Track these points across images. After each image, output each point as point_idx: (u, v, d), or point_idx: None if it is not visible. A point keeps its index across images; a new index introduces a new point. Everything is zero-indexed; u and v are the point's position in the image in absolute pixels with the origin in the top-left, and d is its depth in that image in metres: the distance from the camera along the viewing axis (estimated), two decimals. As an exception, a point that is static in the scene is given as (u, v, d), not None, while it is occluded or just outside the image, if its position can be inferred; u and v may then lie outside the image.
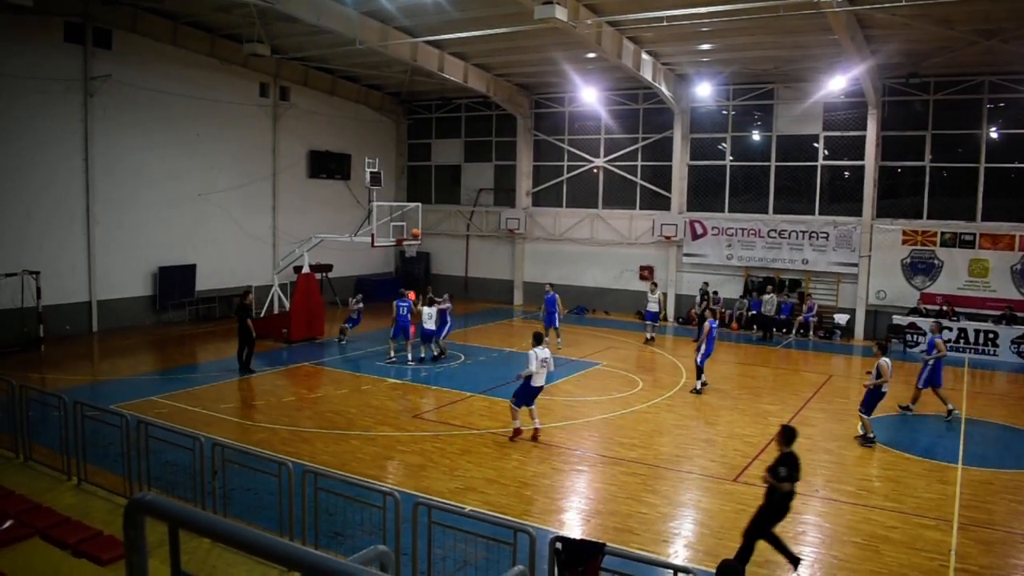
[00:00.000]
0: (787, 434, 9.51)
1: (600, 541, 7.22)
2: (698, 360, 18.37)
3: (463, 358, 21.85)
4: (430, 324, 20.78)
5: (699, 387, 18.41)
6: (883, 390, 14.66)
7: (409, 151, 36.83)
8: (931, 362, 17.03)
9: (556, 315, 23.28)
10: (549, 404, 16.99)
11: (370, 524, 9.08)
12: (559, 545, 6.90)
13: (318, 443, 13.83)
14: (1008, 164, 24.87)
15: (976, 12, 19.38)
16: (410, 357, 21.12)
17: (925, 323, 24.51)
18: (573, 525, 10.62)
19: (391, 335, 21.59)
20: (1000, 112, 25.08)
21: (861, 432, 14.73)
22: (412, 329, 21.50)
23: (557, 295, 23.72)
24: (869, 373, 15.04)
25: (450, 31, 23.25)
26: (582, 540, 7.24)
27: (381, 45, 24.10)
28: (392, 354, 21.38)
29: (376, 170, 24.21)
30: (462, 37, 23.51)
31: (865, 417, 14.59)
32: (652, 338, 25.07)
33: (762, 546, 9.91)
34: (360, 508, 8.99)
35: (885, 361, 14.59)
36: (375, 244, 23.81)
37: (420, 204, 27.88)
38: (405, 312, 21.29)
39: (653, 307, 25.04)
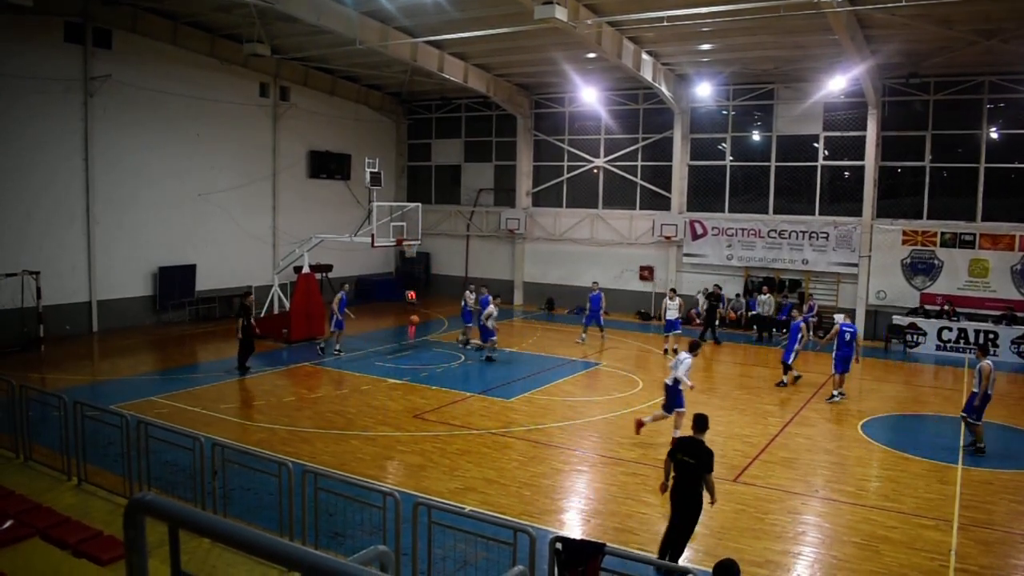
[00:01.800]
0: (694, 419, 9.59)
1: (600, 541, 7.23)
2: (787, 358, 19.29)
3: (463, 358, 21.85)
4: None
5: (786, 381, 19.34)
6: (989, 392, 14.27)
7: (409, 151, 36.84)
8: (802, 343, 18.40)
9: (599, 313, 24.49)
10: (549, 404, 17.04)
11: (370, 524, 9.09)
12: (559, 545, 6.90)
13: (318, 443, 13.83)
14: (1008, 164, 24.87)
15: (976, 12, 19.37)
16: (337, 347, 21.80)
17: (926, 324, 24.59)
18: (573, 525, 10.62)
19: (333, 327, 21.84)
20: (1000, 112, 25.07)
21: (971, 440, 14.38)
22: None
23: (602, 293, 24.96)
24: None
25: (450, 31, 23.24)
26: (582, 540, 7.25)
27: (381, 45, 24.10)
28: (337, 345, 21.86)
29: (376, 170, 24.22)
30: (462, 37, 23.51)
31: (974, 422, 14.23)
32: (675, 350, 21.91)
33: (760, 546, 9.94)
34: (360, 508, 8.99)
35: (988, 363, 14.31)
36: (375, 244, 23.83)
37: (420, 204, 27.90)
38: (340, 306, 21.58)
39: (672, 314, 23.08)
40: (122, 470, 10.29)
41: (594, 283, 25.77)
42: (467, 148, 35.38)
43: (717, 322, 26.29)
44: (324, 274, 29.47)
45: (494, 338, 21.51)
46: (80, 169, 23.39)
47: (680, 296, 23.83)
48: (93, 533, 7.97)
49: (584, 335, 24.71)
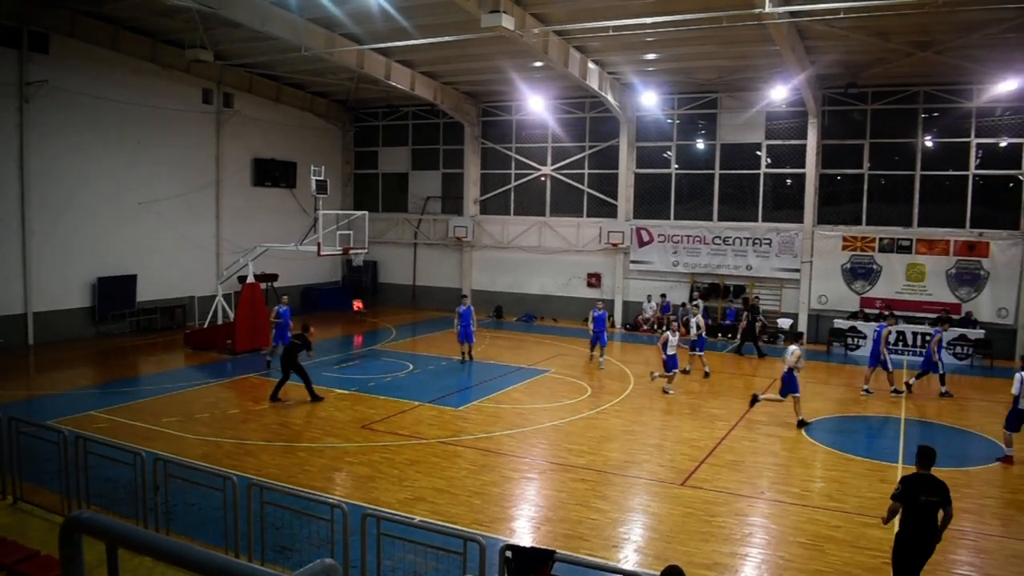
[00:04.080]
0: (921, 454, 8.69)
1: (550, 548, 7.23)
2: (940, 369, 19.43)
3: (411, 367, 21.72)
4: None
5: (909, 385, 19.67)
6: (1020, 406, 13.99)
7: (356, 159, 36.57)
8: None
9: (604, 333, 22.44)
10: (498, 412, 17.02)
11: (318, 537, 8.96)
12: (509, 553, 6.89)
13: (264, 456, 13.61)
14: (942, 172, 25.72)
15: (912, 24, 19.97)
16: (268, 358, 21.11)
17: (866, 327, 25.18)
18: (523, 533, 10.61)
19: (273, 341, 21.23)
20: (934, 121, 25.87)
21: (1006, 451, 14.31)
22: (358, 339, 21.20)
23: (607, 312, 24.04)
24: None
25: (397, 39, 23.13)
26: (532, 547, 7.25)
27: (327, 52, 23.89)
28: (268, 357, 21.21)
29: (322, 178, 23.92)
30: (409, 45, 23.42)
31: (1008, 433, 14.15)
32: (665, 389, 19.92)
33: (708, 548, 10.03)
34: (307, 521, 8.87)
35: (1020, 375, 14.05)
36: (321, 253, 23.54)
37: (367, 212, 27.61)
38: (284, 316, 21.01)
39: (674, 350, 19.90)
40: (60, 488, 10.00)
41: (600, 303, 23.70)
42: (414, 156, 35.27)
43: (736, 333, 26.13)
44: (269, 283, 29.10)
45: (798, 394, 16.30)
46: (15, 177, 22.69)
47: (633, 303, 23.59)
48: (29, 553, 7.73)
49: (602, 359, 22.58)
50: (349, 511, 7.98)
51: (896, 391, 19.28)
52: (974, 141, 25.16)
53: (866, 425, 16.85)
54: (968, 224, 25.27)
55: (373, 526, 7.89)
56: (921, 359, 20.77)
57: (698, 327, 21.55)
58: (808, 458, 14.39)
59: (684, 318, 25.23)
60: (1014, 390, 14.02)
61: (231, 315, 24.18)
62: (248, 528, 8.71)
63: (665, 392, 19.03)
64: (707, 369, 21.53)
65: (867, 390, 19.39)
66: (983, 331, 24.01)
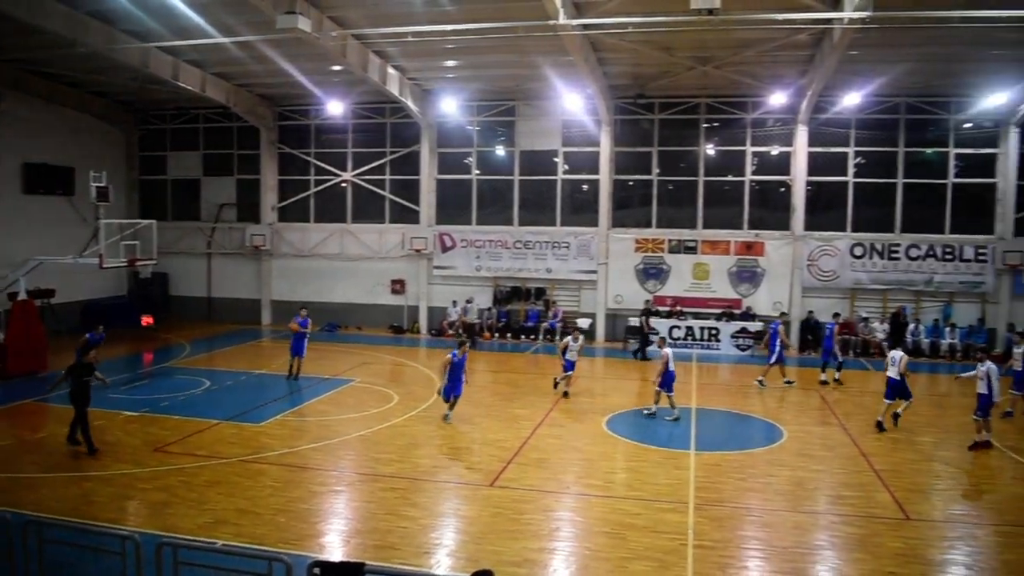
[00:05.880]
0: None
1: (360, 561, 7.16)
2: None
3: (208, 383, 20.67)
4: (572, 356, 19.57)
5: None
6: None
7: (142, 164, 34.23)
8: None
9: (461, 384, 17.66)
10: (302, 425, 16.61)
11: (110, 573, 8.33)
12: (317, 570, 6.76)
13: (43, 489, 12.44)
14: (722, 178, 28.00)
15: (692, 40, 21.56)
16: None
17: (658, 323, 26.73)
18: (333, 547, 10.39)
19: None
20: (715, 131, 28.06)
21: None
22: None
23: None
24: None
25: (186, 37, 21.91)
26: (341, 562, 7.16)
27: (107, 49, 22.22)
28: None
29: (103, 184, 22.27)
30: (199, 44, 22.25)
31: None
32: (566, 392, 19.61)
33: (518, 546, 10.26)
34: (96, 556, 8.27)
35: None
36: (104, 265, 21.94)
37: (155, 221, 25.81)
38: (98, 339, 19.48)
39: (574, 356, 19.64)
40: None
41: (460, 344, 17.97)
42: (206, 161, 33.53)
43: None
44: (45, 300, 26.70)
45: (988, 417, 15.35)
46: None
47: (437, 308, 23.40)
48: None
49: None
50: (142, 541, 7.52)
51: (788, 382, 20.93)
52: (749, 150, 27.51)
53: (660, 416, 17.81)
54: (746, 226, 27.58)
55: (169, 555, 7.47)
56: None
57: (579, 352, 20.04)
58: (609, 452, 15.08)
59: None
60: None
61: (1, 336, 21.97)
62: (25, 570, 7.96)
63: (566, 395, 19.36)
64: (567, 389, 19.67)
65: (789, 381, 21.00)
66: (761, 324, 26.05)
